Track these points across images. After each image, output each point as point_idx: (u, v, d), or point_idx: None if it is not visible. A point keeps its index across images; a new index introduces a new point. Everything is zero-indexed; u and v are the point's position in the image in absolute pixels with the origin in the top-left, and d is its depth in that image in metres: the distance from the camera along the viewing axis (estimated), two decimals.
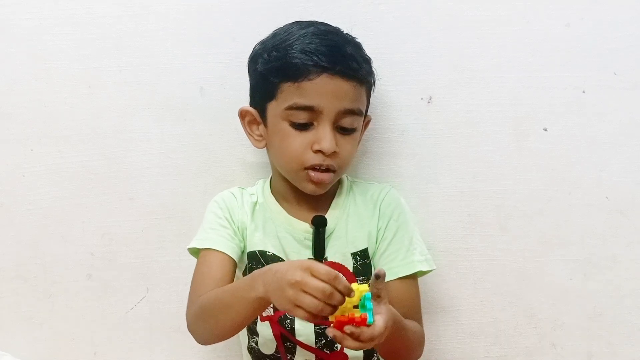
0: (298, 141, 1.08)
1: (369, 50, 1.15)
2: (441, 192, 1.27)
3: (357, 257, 1.15)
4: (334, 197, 1.18)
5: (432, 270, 1.16)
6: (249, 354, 1.18)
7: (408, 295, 1.15)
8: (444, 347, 1.32)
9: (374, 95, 1.20)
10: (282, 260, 1.13)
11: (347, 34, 1.14)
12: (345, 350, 1.12)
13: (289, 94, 1.06)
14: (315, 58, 1.04)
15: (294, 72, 1.06)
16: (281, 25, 1.14)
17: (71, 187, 1.27)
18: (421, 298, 1.19)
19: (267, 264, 1.11)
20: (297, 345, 1.12)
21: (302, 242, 1.14)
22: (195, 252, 1.15)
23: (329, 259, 1.13)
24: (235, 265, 1.12)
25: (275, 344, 1.13)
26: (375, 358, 1.16)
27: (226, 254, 1.11)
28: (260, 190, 1.19)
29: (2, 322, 1.30)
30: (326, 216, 1.14)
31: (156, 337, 1.32)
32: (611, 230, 1.29)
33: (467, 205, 1.28)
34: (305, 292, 0.87)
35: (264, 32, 1.19)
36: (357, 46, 1.13)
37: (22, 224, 1.28)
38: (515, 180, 1.28)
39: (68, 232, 1.29)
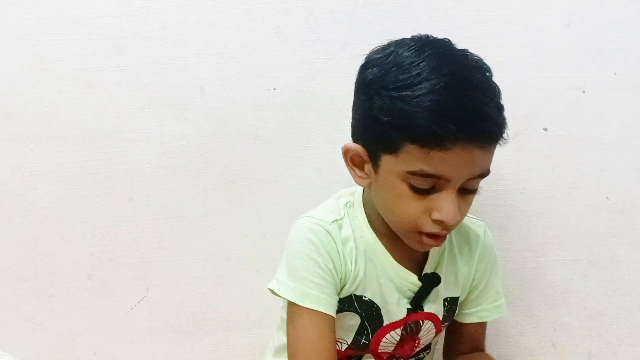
0: (416, 206, 0.92)
1: (368, 50, 1.15)
2: None
3: (447, 302, 1.07)
4: None
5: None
6: None
7: (482, 332, 1.14)
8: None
9: None
10: (377, 306, 1.02)
11: (481, 67, 0.94)
12: None
13: (414, 158, 0.89)
14: (451, 126, 0.85)
15: (424, 138, 0.87)
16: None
17: (71, 187, 1.27)
18: None
19: (361, 308, 1.02)
20: None
21: (404, 292, 1.03)
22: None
23: (425, 309, 1.05)
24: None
25: None
26: None
27: (332, 316, 0.99)
28: (356, 223, 1.03)
29: (2, 322, 1.30)
30: (428, 263, 1.05)
31: (156, 337, 1.32)
32: (611, 230, 1.29)
33: None
34: None
35: (264, 32, 1.20)
36: (496, 95, 0.93)
37: (21, 224, 1.28)
38: (515, 180, 1.28)
39: (68, 232, 1.29)
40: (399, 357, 1.08)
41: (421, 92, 0.87)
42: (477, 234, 1.10)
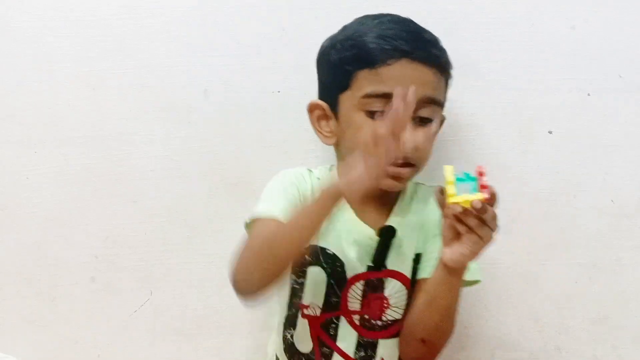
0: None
1: None
2: None
3: (413, 262, 1.08)
4: (396, 201, 1.09)
5: None
6: (281, 342, 1.11)
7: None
8: (447, 351, 1.31)
9: None
10: (342, 262, 1.05)
11: None
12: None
13: (365, 82, 1.00)
14: (395, 42, 0.99)
15: (371, 58, 0.99)
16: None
17: (74, 189, 1.27)
18: None
19: (326, 262, 1.05)
20: (335, 352, 1.08)
21: (364, 247, 1.06)
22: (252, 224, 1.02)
23: (388, 267, 1.07)
24: None
25: (312, 344, 1.08)
26: None
27: None
28: (328, 175, 1.09)
29: (6, 324, 1.30)
30: (389, 222, 1.07)
31: (159, 340, 1.32)
32: (616, 234, 1.28)
33: None
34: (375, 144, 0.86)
35: (268, 34, 1.19)
36: (435, 36, 1.07)
37: (25, 227, 1.28)
38: (520, 183, 1.27)
39: (71, 234, 1.28)
40: (369, 318, 1.08)
41: (366, 30, 1.02)
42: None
